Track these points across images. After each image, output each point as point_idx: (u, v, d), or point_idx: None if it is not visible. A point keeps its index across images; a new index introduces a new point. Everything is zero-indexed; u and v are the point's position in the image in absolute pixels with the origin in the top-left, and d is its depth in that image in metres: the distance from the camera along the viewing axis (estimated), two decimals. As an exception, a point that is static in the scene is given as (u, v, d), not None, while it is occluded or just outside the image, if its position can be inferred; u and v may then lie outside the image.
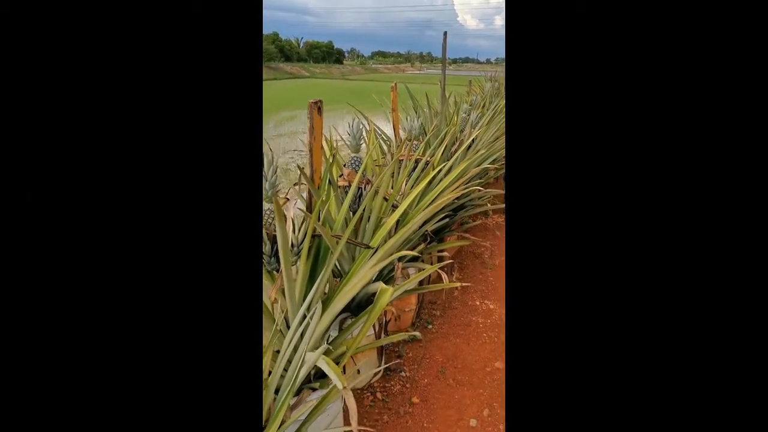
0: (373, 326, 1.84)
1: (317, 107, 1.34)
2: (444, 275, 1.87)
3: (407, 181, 1.96)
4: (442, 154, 2.40)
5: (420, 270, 2.12)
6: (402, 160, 2.09)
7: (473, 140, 2.90)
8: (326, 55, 57.64)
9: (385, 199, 1.80)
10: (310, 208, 1.46)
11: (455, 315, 2.42)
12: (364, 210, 1.60)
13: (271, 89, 22.18)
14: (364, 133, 1.81)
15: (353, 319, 1.63)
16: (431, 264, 2.53)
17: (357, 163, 1.67)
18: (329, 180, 1.54)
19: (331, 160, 1.65)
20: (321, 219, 1.45)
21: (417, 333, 2.20)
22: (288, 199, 1.39)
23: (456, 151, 2.62)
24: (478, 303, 2.52)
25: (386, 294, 1.36)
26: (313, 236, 1.37)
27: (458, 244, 2.31)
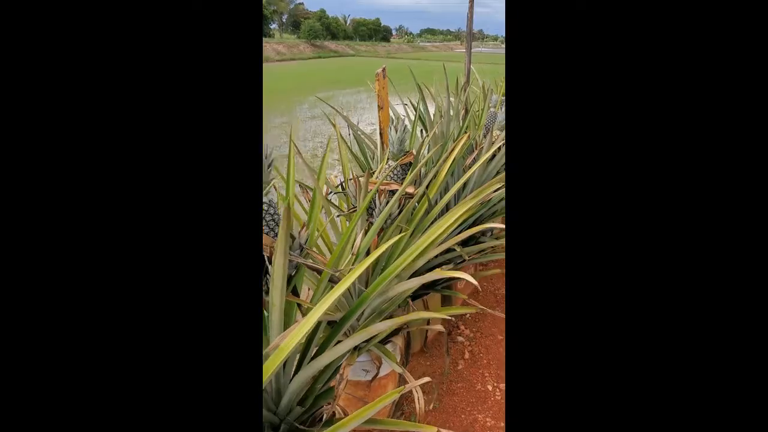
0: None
1: None
2: (418, 395, 1.14)
3: (364, 233, 1.21)
4: (449, 173, 1.62)
5: (403, 387, 1.42)
6: (378, 191, 1.34)
7: (499, 149, 2.08)
8: (373, 32, 56.26)
9: (314, 271, 1.06)
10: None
11: (454, 404, 1.68)
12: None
13: (313, 68, 21.70)
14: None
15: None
16: (423, 337, 1.78)
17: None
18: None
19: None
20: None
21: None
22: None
23: (472, 165, 1.82)
24: (490, 388, 1.76)
25: None
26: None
27: (461, 311, 1.55)
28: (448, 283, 1.96)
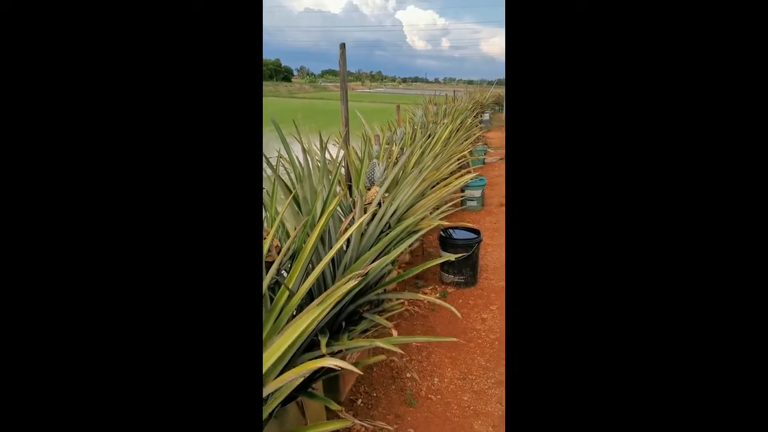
0: None
1: None
2: None
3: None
4: (315, 246, 1.33)
5: None
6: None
7: (379, 206, 1.85)
8: (273, 72, 56.13)
9: None
10: None
11: None
12: None
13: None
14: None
15: None
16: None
17: None
18: None
19: None
20: None
21: None
22: None
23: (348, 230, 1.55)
24: (383, 506, 1.43)
25: None
26: None
27: (335, 426, 1.22)
28: (332, 374, 1.64)
